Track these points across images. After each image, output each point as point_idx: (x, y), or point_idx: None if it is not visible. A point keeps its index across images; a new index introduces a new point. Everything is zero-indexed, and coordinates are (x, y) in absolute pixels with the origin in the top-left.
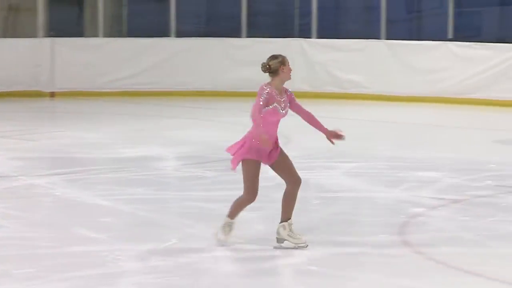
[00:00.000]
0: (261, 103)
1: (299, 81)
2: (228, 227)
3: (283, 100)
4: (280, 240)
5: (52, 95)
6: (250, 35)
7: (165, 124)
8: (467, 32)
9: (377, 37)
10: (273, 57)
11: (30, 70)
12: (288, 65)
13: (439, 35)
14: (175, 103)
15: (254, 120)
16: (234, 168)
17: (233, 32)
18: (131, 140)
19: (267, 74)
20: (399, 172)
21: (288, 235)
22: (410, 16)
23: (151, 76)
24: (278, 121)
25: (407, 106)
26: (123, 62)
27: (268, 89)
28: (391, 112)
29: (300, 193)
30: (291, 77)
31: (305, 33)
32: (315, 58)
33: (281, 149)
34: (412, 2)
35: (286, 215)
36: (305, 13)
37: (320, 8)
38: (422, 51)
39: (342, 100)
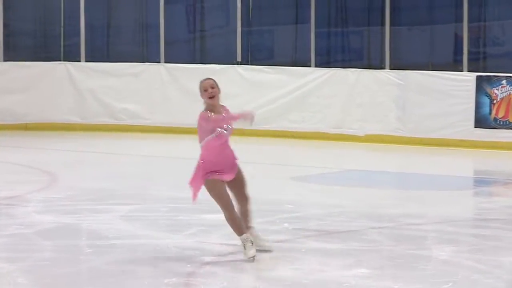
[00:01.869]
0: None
1: (66, 111)
2: (248, 243)
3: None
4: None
5: None
6: (8, 58)
7: None
8: (258, 54)
9: (155, 60)
10: None
11: None
12: (204, 90)
13: (226, 58)
14: None
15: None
16: (194, 199)
17: None
18: None
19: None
20: (183, 215)
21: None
22: (193, 36)
23: None
24: (226, 141)
25: (190, 139)
26: None
27: (209, 115)
28: (172, 146)
29: (69, 241)
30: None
31: (71, 56)
32: (84, 85)
33: (239, 167)
34: (194, 20)
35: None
36: (72, 33)
37: (88, 27)
38: (206, 75)
39: (117, 133)
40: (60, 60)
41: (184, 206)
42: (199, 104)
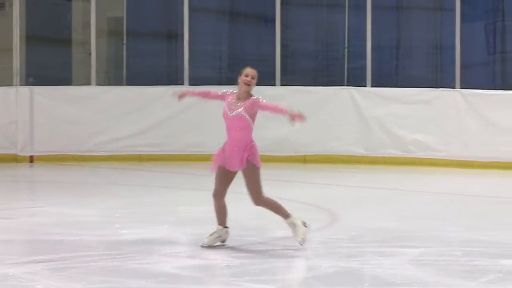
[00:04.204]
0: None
1: (349, 141)
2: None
3: (238, 106)
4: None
5: (31, 160)
6: (285, 82)
7: (177, 197)
8: None
9: (450, 85)
10: None
11: (2, 128)
12: (245, 75)
13: None
14: (188, 171)
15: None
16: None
17: (264, 78)
18: (132, 218)
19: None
20: (478, 260)
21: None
22: (492, 58)
23: (159, 136)
24: (233, 127)
25: (489, 174)
26: (122, 118)
27: (228, 92)
28: (467, 182)
29: None
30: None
31: (356, 80)
32: (370, 113)
33: (249, 164)
34: (495, 40)
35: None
36: (357, 55)
37: (375, 48)
38: (508, 103)
39: (405, 166)
40: (342, 85)
41: (481, 250)
42: (500, 136)
